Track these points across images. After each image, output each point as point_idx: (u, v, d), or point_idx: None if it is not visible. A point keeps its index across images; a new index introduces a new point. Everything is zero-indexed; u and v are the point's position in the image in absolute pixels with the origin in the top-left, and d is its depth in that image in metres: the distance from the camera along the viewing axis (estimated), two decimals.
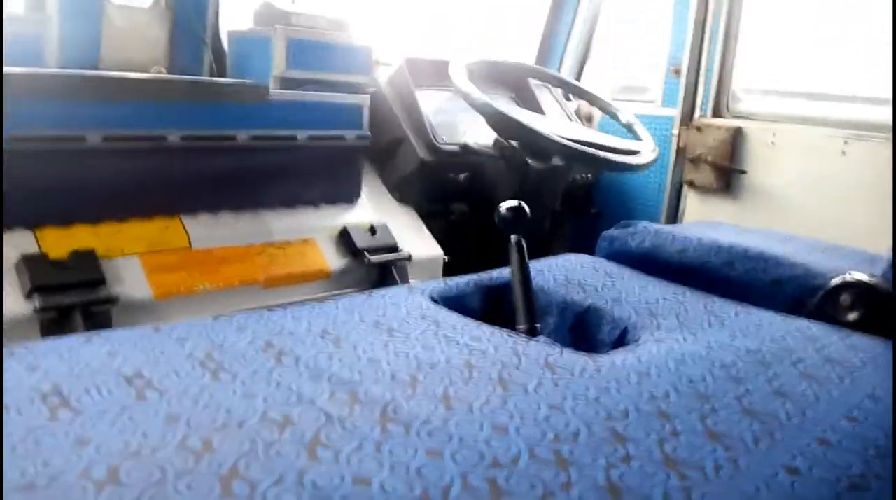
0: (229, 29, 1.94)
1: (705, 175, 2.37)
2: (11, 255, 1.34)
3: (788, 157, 2.20)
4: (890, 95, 1.97)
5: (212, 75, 1.90)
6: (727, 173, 2.33)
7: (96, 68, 1.69)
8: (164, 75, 1.76)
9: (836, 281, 1.30)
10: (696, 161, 2.39)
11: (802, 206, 2.17)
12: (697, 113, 2.42)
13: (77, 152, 1.40)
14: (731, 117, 2.38)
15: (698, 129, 2.38)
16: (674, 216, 2.50)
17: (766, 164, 2.26)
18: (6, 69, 1.41)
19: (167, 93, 1.51)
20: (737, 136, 2.30)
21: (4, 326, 1.26)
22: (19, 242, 1.36)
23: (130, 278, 1.43)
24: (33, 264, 1.32)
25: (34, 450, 0.68)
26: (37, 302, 1.28)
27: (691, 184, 2.42)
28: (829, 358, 1.04)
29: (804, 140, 2.17)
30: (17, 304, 1.29)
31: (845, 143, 2.07)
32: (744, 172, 2.30)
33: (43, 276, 1.31)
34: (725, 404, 0.87)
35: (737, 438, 0.80)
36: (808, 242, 1.65)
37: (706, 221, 2.04)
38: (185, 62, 1.84)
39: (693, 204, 2.44)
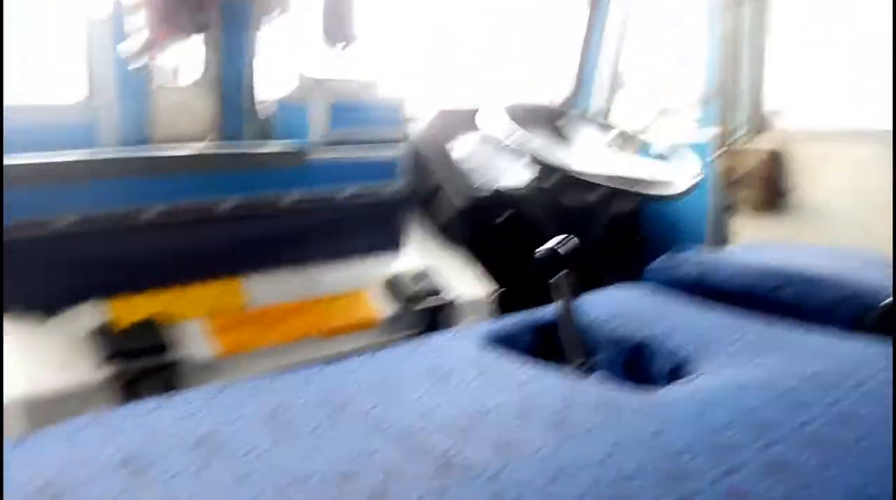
0: (269, 96, 2.04)
1: (750, 196, 2.34)
2: (83, 326, 1.42)
3: (833, 172, 2.17)
4: None
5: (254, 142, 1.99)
6: (772, 193, 2.30)
7: (148, 144, 1.79)
8: (211, 147, 1.85)
9: (892, 298, 1.27)
10: (739, 183, 2.37)
11: (850, 221, 2.12)
12: (737, 134, 2.41)
13: (137, 227, 1.49)
14: (771, 137, 2.36)
15: (739, 151, 2.37)
16: (721, 239, 2.47)
17: (810, 181, 2.22)
18: (76, 155, 1.51)
19: (214, 164, 1.59)
20: (779, 154, 2.28)
21: (80, 394, 1.33)
22: (90, 314, 1.45)
23: (193, 340, 1.49)
24: (104, 334, 1.39)
25: None
26: (109, 370, 1.35)
27: (736, 206, 2.40)
28: (890, 379, 1.02)
29: (847, 154, 2.14)
30: (90, 372, 1.36)
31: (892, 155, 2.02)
32: (789, 190, 2.26)
33: (113, 345, 1.38)
34: (788, 433, 0.86)
35: (801, 467, 0.79)
36: (860, 257, 1.61)
37: (754, 242, 2.01)
38: (230, 131, 1.94)
39: (740, 225, 2.41)
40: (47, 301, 1.43)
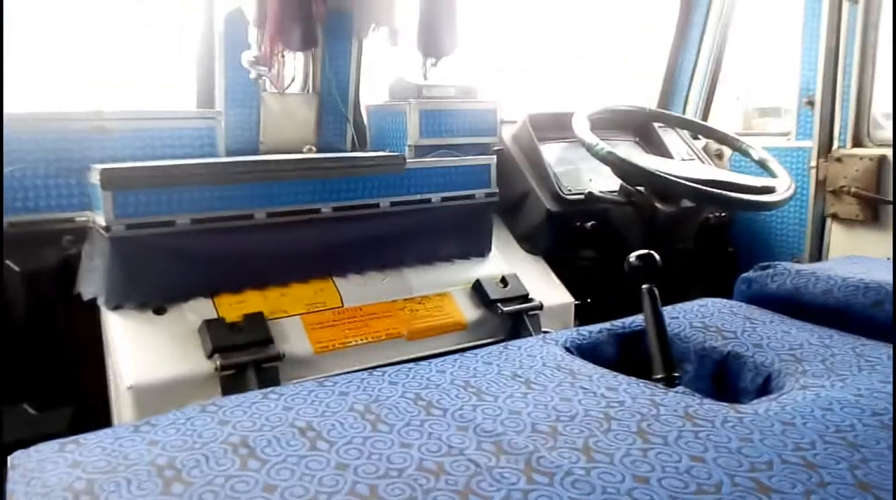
0: (368, 104, 2.14)
1: (849, 207, 2.25)
2: (194, 320, 1.55)
3: None
4: None
5: (354, 148, 2.09)
6: (873, 204, 2.20)
7: (257, 152, 1.92)
8: (314, 155, 1.96)
9: None
10: (838, 193, 2.28)
11: None
12: (836, 143, 2.32)
13: (246, 228, 1.61)
14: (873, 145, 2.26)
15: (838, 159, 2.28)
16: (818, 251, 2.38)
17: None
18: (192, 161, 1.65)
19: (318, 171, 1.69)
20: (881, 164, 2.18)
21: (190, 384, 1.45)
22: (201, 309, 1.57)
23: (293, 336, 1.59)
24: (213, 328, 1.51)
25: (232, 496, 0.80)
26: (217, 361, 1.46)
27: (835, 217, 2.31)
28: None
29: None
30: (201, 363, 1.48)
31: None
32: (891, 201, 2.16)
33: (221, 338, 1.50)
34: (877, 454, 0.85)
35: (889, 489, 0.78)
36: None
37: (853, 255, 1.94)
38: (330, 139, 2.05)
39: (838, 237, 2.32)
40: (163, 296, 1.56)
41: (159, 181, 1.51)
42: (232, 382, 1.45)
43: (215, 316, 1.56)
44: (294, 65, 1.93)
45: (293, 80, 1.94)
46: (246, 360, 1.47)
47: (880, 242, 2.21)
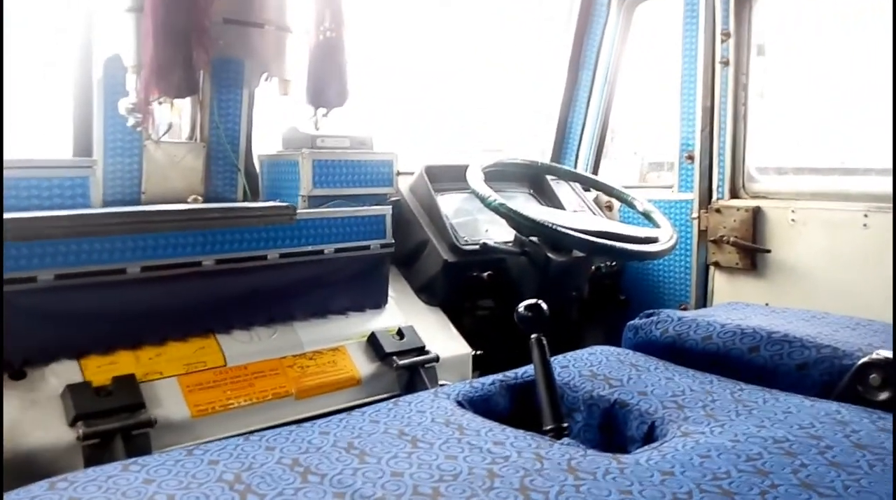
0: (260, 153, 2.09)
1: (729, 256, 2.38)
2: (57, 384, 1.42)
3: (810, 233, 2.21)
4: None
5: (245, 198, 2.02)
6: (751, 253, 2.33)
7: (139, 202, 1.82)
8: (198, 205, 1.88)
9: (863, 360, 1.29)
10: (718, 242, 2.40)
11: (828, 280, 2.16)
12: (715, 195, 2.46)
13: (117, 283, 1.50)
14: (748, 197, 2.41)
15: (718, 211, 2.41)
16: (703, 298, 2.49)
17: (788, 241, 2.26)
18: (56, 212, 1.54)
19: (200, 222, 1.62)
20: (756, 215, 2.33)
21: (50, 455, 1.32)
22: (64, 372, 1.44)
23: (169, 400, 1.48)
24: (77, 393, 1.39)
25: None
26: (80, 430, 1.34)
27: (717, 265, 2.43)
28: (859, 444, 1.02)
29: (824, 215, 2.18)
30: (62, 432, 1.35)
31: (866, 215, 2.07)
32: (767, 250, 2.30)
33: (86, 404, 1.37)
34: None
35: None
36: (835, 320, 1.63)
37: (734, 302, 2.03)
38: (219, 189, 1.97)
39: (721, 284, 2.44)
40: (22, 358, 1.43)
41: (18, 234, 1.39)
42: (97, 452, 1.33)
43: (81, 380, 1.43)
44: (176, 113, 1.86)
45: (169, 127, 1.86)
46: (113, 427, 1.36)
47: (759, 289, 2.33)
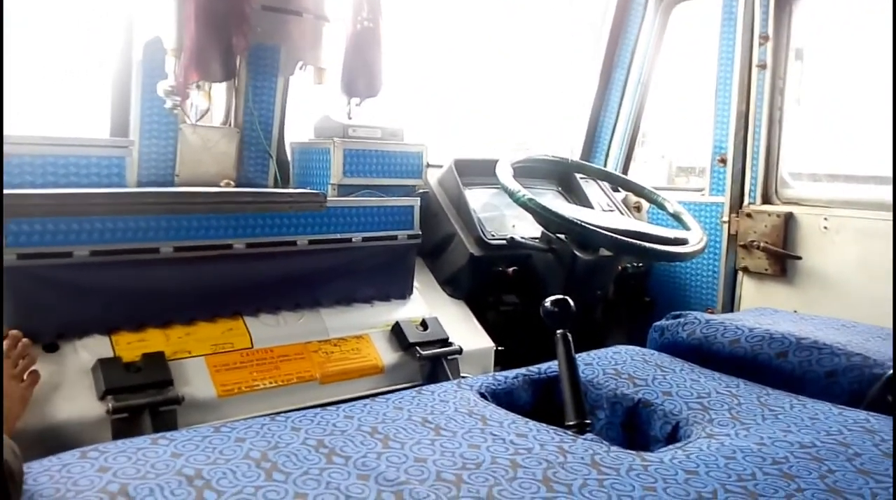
0: (292, 141, 2.11)
1: (759, 261, 2.35)
2: (88, 358, 1.45)
3: (842, 240, 2.17)
4: None
5: (276, 185, 2.05)
6: (781, 259, 2.30)
7: (172, 184, 1.85)
8: (231, 189, 1.90)
9: (894, 370, 1.27)
10: (748, 247, 2.38)
11: (859, 289, 2.12)
12: (747, 200, 2.43)
13: (150, 262, 1.53)
14: (780, 203, 2.38)
15: (749, 215, 2.38)
16: (730, 303, 2.46)
17: (820, 248, 2.23)
18: (94, 190, 1.57)
19: (232, 205, 1.63)
20: (788, 221, 2.30)
21: (79, 427, 1.35)
22: (96, 347, 1.47)
23: (196, 378, 1.50)
24: (107, 368, 1.41)
25: None
26: (109, 404, 1.36)
27: (746, 270, 2.40)
28: (889, 453, 1.01)
29: (857, 224, 2.15)
30: (92, 405, 1.38)
31: None
32: (798, 257, 2.27)
33: (116, 378, 1.40)
34: None
35: None
36: (865, 329, 1.61)
37: (762, 307, 2.01)
38: (251, 174, 2.00)
39: (749, 290, 2.41)
40: (56, 332, 1.46)
41: (56, 210, 1.42)
42: (125, 426, 1.35)
43: (111, 355, 1.46)
44: (206, 98, 1.88)
45: (207, 111, 1.88)
46: (141, 402, 1.38)
47: (788, 296, 2.30)
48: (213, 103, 1.95)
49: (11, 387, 1.26)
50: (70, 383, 1.40)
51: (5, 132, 1.56)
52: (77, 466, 0.92)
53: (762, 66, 2.38)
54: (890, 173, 2.05)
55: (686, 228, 1.98)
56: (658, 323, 1.67)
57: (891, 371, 1.27)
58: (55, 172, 1.64)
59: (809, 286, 2.26)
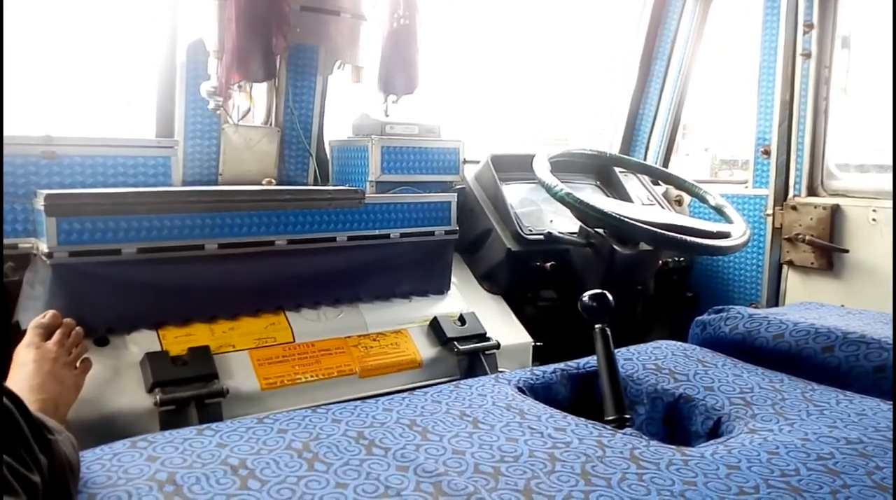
0: (331, 139, 2.14)
1: (805, 254, 2.29)
2: (136, 352, 1.49)
3: (891, 233, 2.11)
4: None
5: (316, 182, 2.08)
6: (828, 252, 2.25)
7: (216, 183, 1.90)
8: (272, 187, 1.94)
9: None
10: (794, 240, 2.32)
11: None
12: (791, 192, 2.38)
13: (196, 259, 1.57)
14: (827, 195, 2.32)
15: (794, 208, 2.33)
16: (775, 297, 2.41)
17: (868, 241, 2.17)
18: (141, 189, 1.62)
19: (274, 203, 1.67)
20: (835, 213, 2.24)
21: (128, 418, 1.39)
22: (144, 341, 1.52)
23: (240, 372, 1.54)
24: (155, 361, 1.46)
25: None
26: (157, 396, 1.41)
27: (791, 264, 2.35)
28: None
29: None
30: (140, 397, 1.43)
31: None
32: (845, 250, 2.21)
33: (163, 372, 1.44)
34: (819, 499, 0.84)
35: None
36: None
37: (808, 302, 1.96)
38: (292, 172, 2.04)
39: (794, 284, 2.36)
40: (105, 327, 1.51)
41: (106, 209, 1.47)
42: (172, 418, 1.39)
43: (159, 349, 1.50)
44: (247, 98, 1.92)
45: (248, 111, 1.92)
46: (187, 395, 1.42)
47: (835, 290, 2.25)
48: (254, 103, 1.99)
49: (65, 374, 1.31)
50: (120, 376, 1.45)
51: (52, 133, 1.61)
52: (127, 455, 0.95)
53: (807, 56, 2.32)
54: None
55: (729, 221, 1.95)
56: (700, 318, 1.64)
57: None
58: (104, 173, 1.69)
59: (857, 280, 2.20)
